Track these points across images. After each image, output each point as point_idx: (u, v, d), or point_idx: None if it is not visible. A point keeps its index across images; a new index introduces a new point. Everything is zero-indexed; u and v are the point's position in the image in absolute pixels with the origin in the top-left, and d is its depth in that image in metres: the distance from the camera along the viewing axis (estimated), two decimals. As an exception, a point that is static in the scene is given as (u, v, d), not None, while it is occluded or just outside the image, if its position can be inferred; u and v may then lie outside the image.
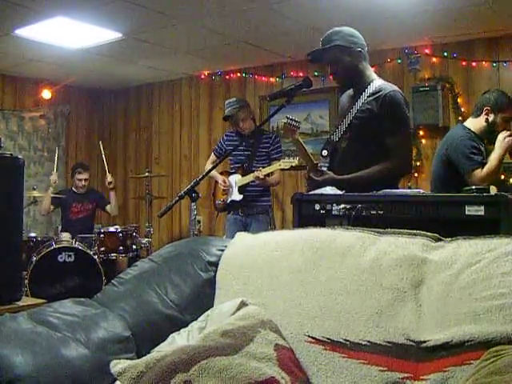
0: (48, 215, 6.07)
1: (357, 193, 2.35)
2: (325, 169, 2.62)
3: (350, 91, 2.76)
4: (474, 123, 3.27)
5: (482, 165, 3.06)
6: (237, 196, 4.38)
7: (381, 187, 2.35)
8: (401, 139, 2.53)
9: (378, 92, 2.56)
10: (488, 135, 3.23)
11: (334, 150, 2.66)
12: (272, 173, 4.32)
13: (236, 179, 4.43)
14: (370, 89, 2.59)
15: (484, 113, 3.23)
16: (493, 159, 3.07)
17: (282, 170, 4.27)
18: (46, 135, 6.72)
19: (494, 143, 3.19)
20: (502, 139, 3.11)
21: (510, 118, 3.27)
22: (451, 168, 3.16)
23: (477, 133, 3.22)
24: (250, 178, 4.29)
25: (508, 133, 3.14)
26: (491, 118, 3.21)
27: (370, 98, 2.56)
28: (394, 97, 2.53)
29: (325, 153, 2.67)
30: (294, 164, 4.09)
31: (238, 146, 4.21)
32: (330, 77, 2.74)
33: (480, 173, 3.03)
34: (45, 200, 5.53)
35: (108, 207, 5.82)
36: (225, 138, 4.64)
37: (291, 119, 2.62)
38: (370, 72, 2.69)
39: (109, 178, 5.68)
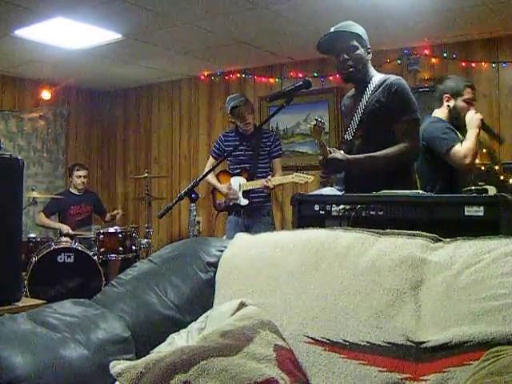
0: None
1: (365, 174, 2.42)
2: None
3: (350, 92, 2.77)
4: (439, 113, 3.28)
5: (460, 142, 3.04)
6: (242, 201, 4.31)
7: (391, 172, 2.38)
8: (409, 124, 2.53)
9: (383, 83, 2.58)
10: (455, 121, 3.22)
11: (350, 149, 2.64)
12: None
13: (240, 182, 4.35)
14: (373, 83, 2.61)
15: (444, 100, 3.25)
16: (469, 137, 3.05)
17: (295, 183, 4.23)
18: (45, 136, 6.72)
19: (463, 126, 3.20)
20: (470, 118, 3.11)
21: (470, 99, 3.27)
22: (432, 157, 3.12)
23: (445, 120, 3.23)
24: (257, 184, 4.22)
25: (473, 111, 3.16)
26: (452, 103, 3.23)
27: (377, 91, 2.58)
28: (400, 84, 2.56)
29: (341, 153, 2.66)
30: (310, 181, 4.04)
31: (238, 145, 4.18)
32: (337, 71, 2.73)
33: (459, 148, 2.99)
34: (48, 222, 5.58)
35: (107, 217, 5.89)
36: (222, 138, 4.55)
37: (320, 121, 2.58)
38: (372, 69, 2.71)
39: (120, 213, 5.80)
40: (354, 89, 2.76)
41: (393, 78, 2.60)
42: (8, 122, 6.36)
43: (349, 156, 2.54)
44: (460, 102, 3.23)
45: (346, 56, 2.61)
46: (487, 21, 4.35)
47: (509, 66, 4.64)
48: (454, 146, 3.00)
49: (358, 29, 2.64)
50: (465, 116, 3.16)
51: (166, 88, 6.81)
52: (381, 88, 2.57)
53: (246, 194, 4.32)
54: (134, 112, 7.18)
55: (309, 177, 4.05)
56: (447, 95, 3.25)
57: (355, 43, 2.60)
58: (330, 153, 2.54)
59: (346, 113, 2.80)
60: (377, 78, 2.64)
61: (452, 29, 4.56)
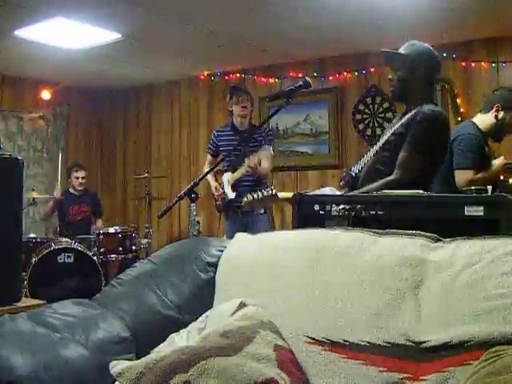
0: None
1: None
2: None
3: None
4: (483, 120, 3.26)
5: (476, 169, 3.06)
6: (230, 194, 4.29)
7: None
8: (408, 156, 2.41)
9: (415, 114, 2.45)
10: (495, 133, 3.24)
11: (353, 183, 2.57)
12: (260, 162, 4.17)
13: (228, 178, 4.33)
14: (413, 111, 2.48)
15: (494, 109, 3.24)
16: (489, 172, 3.10)
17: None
18: (45, 136, 6.73)
19: (500, 141, 3.26)
20: (502, 164, 3.15)
21: None
22: (449, 160, 3.15)
23: (484, 130, 3.23)
24: (240, 171, 4.18)
25: (502, 159, 3.20)
26: (501, 115, 3.22)
27: (406, 122, 2.48)
28: (425, 116, 2.41)
29: (343, 183, 2.63)
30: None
31: (234, 142, 4.22)
32: (390, 83, 2.63)
33: (470, 175, 3.02)
34: (47, 208, 5.56)
35: (99, 222, 5.86)
36: (216, 133, 4.52)
37: (252, 197, 2.43)
38: (426, 96, 2.55)
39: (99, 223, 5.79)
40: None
41: (428, 108, 2.43)
42: (8, 121, 6.36)
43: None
44: (509, 117, 3.22)
45: (390, 76, 2.61)
46: (487, 21, 4.35)
47: (509, 66, 4.64)
48: (465, 168, 3.05)
49: (413, 50, 2.56)
50: (508, 131, 3.23)
51: (166, 88, 6.81)
52: (409, 120, 2.45)
53: (233, 187, 4.29)
54: (134, 112, 7.18)
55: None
56: (499, 105, 3.22)
57: (401, 64, 2.55)
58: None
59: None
60: (421, 108, 2.46)
61: (452, 29, 4.56)
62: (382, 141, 2.60)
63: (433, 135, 2.43)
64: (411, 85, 2.55)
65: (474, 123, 3.27)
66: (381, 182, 2.44)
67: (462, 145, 3.12)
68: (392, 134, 2.54)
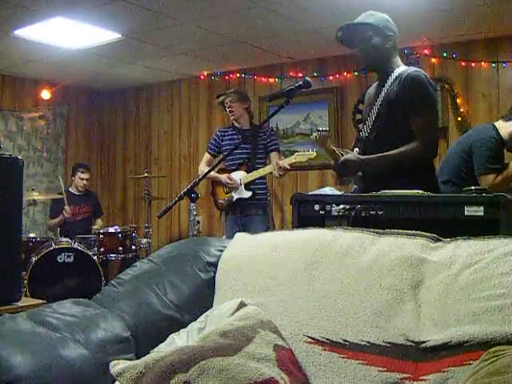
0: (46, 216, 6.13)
1: (379, 175, 2.41)
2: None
3: (374, 83, 2.73)
4: (504, 126, 3.26)
5: (497, 172, 3.10)
6: (245, 193, 4.28)
7: (404, 170, 2.36)
8: (424, 120, 2.44)
9: (401, 75, 2.50)
10: (511, 143, 3.24)
11: (365, 147, 2.59)
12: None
13: (240, 176, 4.31)
14: (394, 75, 2.54)
15: None
16: (508, 171, 3.12)
17: (298, 163, 4.16)
18: (45, 136, 6.72)
19: None
20: None
21: None
22: (468, 161, 3.19)
23: (503, 136, 3.23)
24: (263, 171, 4.20)
25: None
26: None
27: (394, 84, 2.51)
28: (415, 77, 2.46)
29: (356, 151, 2.61)
30: (312, 156, 3.98)
31: (235, 140, 4.23)
32: (356, 58, 2.68)
33: (492, 179, 3.08)
34: (55, 222, 5.58)
35: (98, 221, 5.89)
36: (219, 133, 4.51)
37: (321, 130, 2.56)
38: (397, 59, 2.62)
39: (99, 223, 5.84)
40: (377, 80, 2.70)
41: (410, 70, 2.51)
42: (8, 121, 6.35)
43: (362, 156, 2.50)
44: None
45: (359, 48, 2.61)
46: (487, 21, 4.34)
47: (509, 66, 4.64)
48: (489, 173, 3.11)
49: (374, 18, 2.58)
50: None
51: (166, 88, 6.80)
52: (397, 81, 2.50)
53: (247, 186, 4.29)
54: (134, 112, 7.17)
55: (311, 152, 3.99)
56: None
57: (369, 33, 2.56)
58: (342, 155, 2.51)
59: (367, 103, 2.74)
60: (398, 70, 2.55)
61: (452, 29, 4.56)
62: (372, 116, 2.59)
63: (429, 96, 2.49)
64: (386, 51, 2.57)
65: (495, 127, 3.27)
66: (409, 147, 2.43)
67: (483, 148, 3.15)
68: (381, 105, 2.54)
